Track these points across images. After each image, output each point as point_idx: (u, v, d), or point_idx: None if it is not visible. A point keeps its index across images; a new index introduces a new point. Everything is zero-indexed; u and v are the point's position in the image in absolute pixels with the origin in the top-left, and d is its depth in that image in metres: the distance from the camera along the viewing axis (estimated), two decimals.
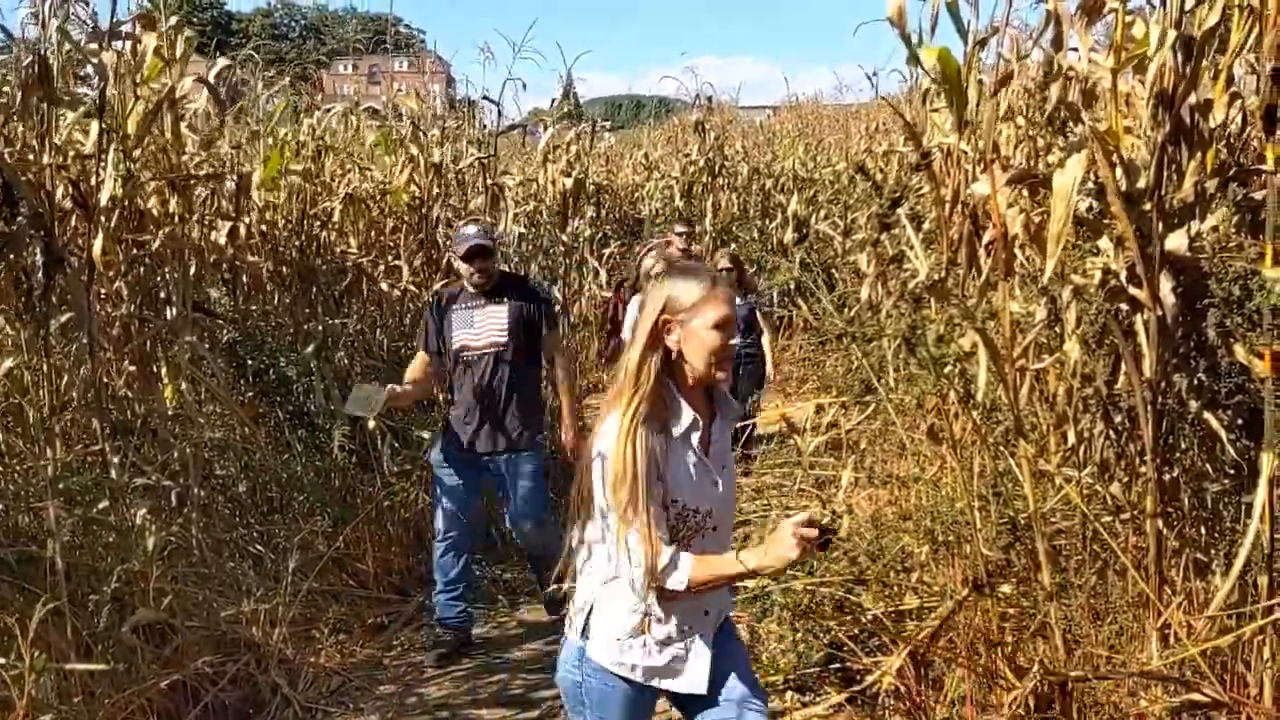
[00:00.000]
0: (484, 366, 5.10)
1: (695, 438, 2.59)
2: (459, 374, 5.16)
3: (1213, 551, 3.52)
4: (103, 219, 4.70)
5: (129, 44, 4.94)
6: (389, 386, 4.89)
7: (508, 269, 5.69)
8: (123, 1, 8.85)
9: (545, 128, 10.18)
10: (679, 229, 9.51)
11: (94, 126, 4.75)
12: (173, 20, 5.03)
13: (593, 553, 2.67)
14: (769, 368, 8.30)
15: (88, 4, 4.79)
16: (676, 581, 2.48)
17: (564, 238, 9.43)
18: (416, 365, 5.27)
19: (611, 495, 2.47)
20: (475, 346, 5.12)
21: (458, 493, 5.12)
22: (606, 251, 11.77)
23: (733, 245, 11.20)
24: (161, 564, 4.36)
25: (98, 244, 4.61)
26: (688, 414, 2.58)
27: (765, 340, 8.22)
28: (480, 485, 5.25)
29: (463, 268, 5.18)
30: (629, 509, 2.44)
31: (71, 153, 4.81)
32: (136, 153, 5.03)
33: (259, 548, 5.27)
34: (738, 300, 8.38)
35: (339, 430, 5.90)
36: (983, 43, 3.68)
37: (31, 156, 4.55)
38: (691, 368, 2.57)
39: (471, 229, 5.20)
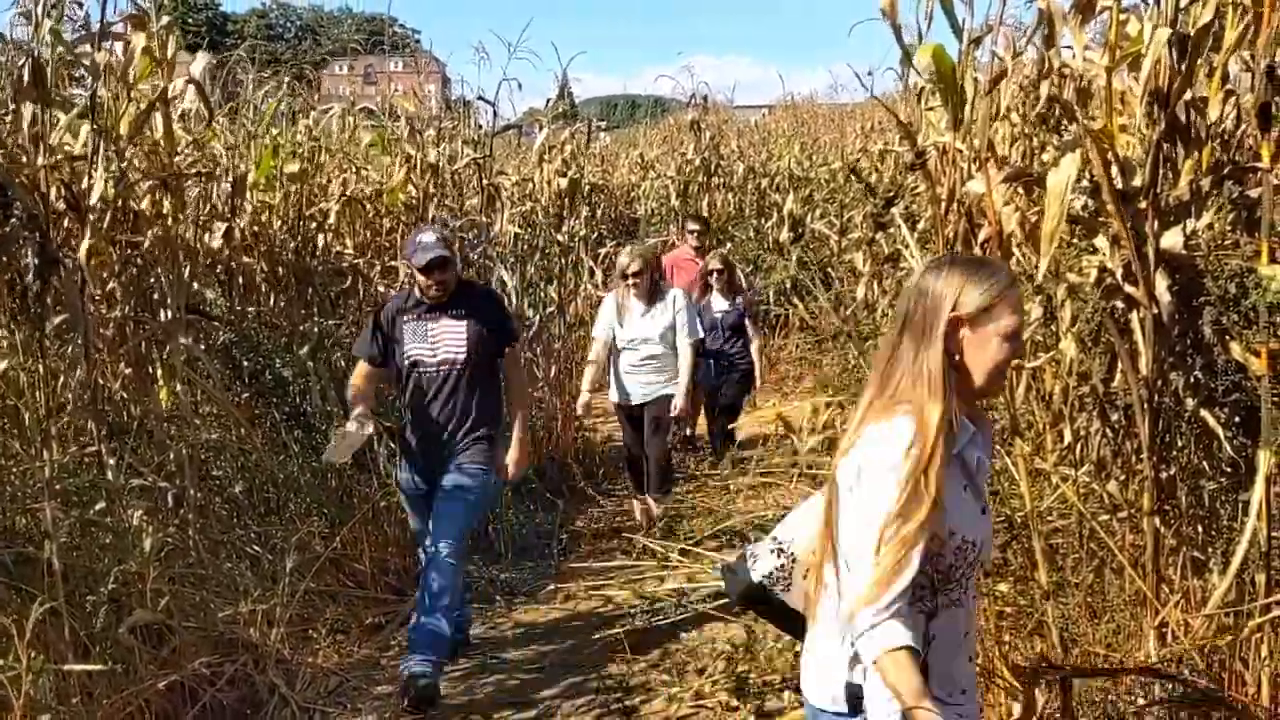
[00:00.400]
0: (439, 383, 4.84)
1: (975, 455, 2.18)
2: (412, 391, 4.89)
3: (1210, 549, 3.52)
4: (93, 219, 4.70)
5: (120, 44, 4.93)
6: (368, 423, 4.69)
7: (461, 274, 5.38)
8: (113, 2, 8.85)
9: (541, 128, 10.17)
10: (691, 226, 9.35)
11: (85, 127, 4.75)
12: (164, 20, 5.01)
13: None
14: (757, 374, 8.12)
15: (80, 5, 4.79)
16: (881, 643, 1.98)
17: (560, 237, 9.42)
18: (362, 381, 4.98)
19: (883, 528, 1.98)
20: (430, 362, 4.84)
21: (428, 516, 4.85)
22: (602, 251, 11.75)
23: (728, 245, 11.08)
24: (158, 565, 4.35)
25: (84, 245, 4.60)
26: (966, 428, 2.15)
27: (754, 347, 8.03)
28: None
29: (419, 279, 4.83)
30: (901, 549, 1.96)
31: (63, 154, 4.80)
32: (129, 152, 5.02)
33: (256, 548, 5.26)
34: (725, 305, 7.82)
35: (335, 431, 5.89)
36: (977, 41, 3.68)
37: (25, 158, 4.54)
38: (970, 379, 2.14)
39: (429, 236, 4.84)
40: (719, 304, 7.97)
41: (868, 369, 4.34)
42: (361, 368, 5.01)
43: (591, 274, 11.10)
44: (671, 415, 6.75)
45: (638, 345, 6.65)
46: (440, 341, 4.85)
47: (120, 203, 5.03)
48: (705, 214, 12.26)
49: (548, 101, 10.68)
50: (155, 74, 5.04)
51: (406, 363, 4.87)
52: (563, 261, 9.46)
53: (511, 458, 5.04)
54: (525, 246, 9.11)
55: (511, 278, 8.14)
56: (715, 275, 7.99)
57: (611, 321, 6.74)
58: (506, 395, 5.17)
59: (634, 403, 6.74)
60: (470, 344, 4.84)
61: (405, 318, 4.90)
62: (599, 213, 14.01)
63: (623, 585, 5.56)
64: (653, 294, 6.69)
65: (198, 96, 5.30)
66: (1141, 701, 3.38)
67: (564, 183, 9.75)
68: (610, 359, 6.81)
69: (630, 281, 6.61)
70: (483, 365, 4.91)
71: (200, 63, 5.35)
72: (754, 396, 8.40)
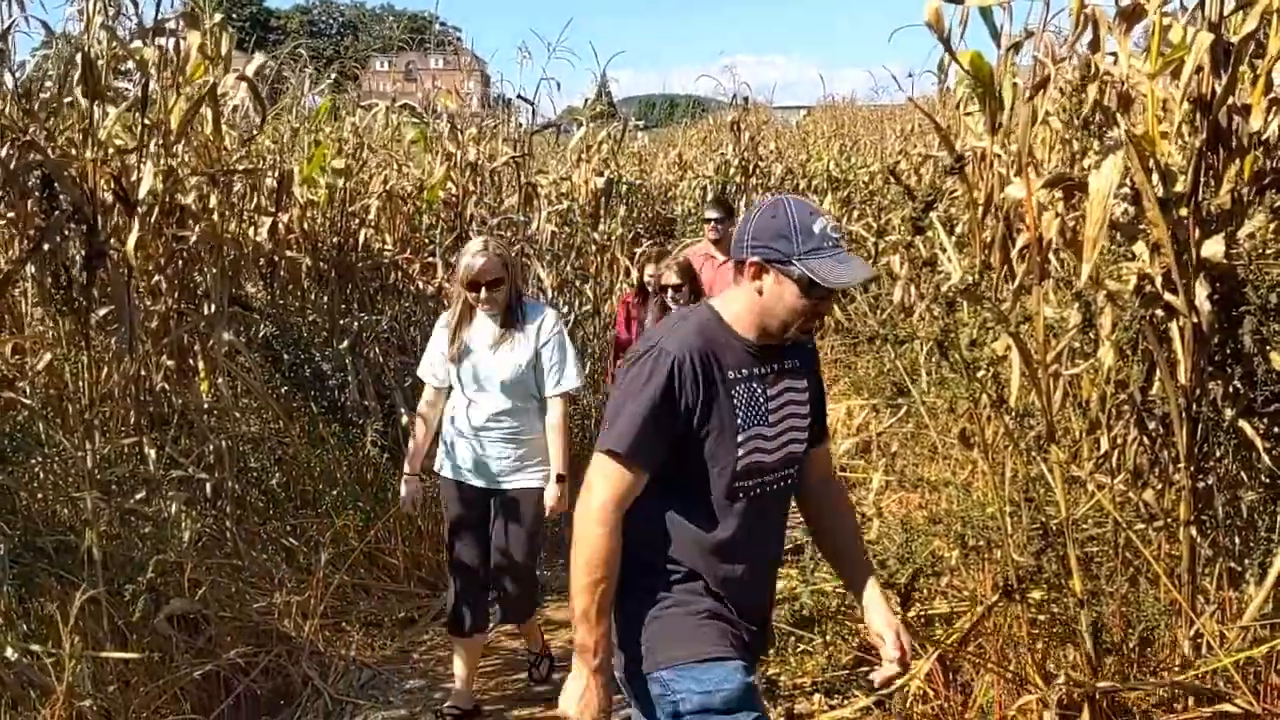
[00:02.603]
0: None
1: None
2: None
3: (1246, 561, 3.48)
4: (141, 213, 4.77)
5: (172, 41, 5.00)
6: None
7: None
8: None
9: (579, 126, 10.20)
10: (710, 214, 7.35)
11: (136, 121, 4.82)
12: (217, 18, 5.08)
13: None
14: None
15: (135, 2, 4.86)
16: None
17: (596, 236, 9.44)
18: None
19: None
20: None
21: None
22: (638, 251, 11.75)
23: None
24: (196, 555, 4.42)
25: (132, 238, 4.68)
26: None
27: None
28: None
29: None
30: None
31: (113, 148, 4.87)
32: (177, 148, 5.10)
33: (291, 541, 5.32)
34: None
35: (372, 425, 5.94)
36: (1016, 46, 3.67)
37: (74, 151, 4.62)
38: None
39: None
40: None
41: (903, 373, 4.34)
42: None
43: (627, 273, 11.12)
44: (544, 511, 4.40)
45: (478, 394, 4.33)
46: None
47: (168, 197, 5.10)
48: (742, 215, 12.06)
49: (586, 101, 10.71)
50: (207, 71, 5.11)
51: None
52: (599, 260, 9.48)
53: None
54: (561, 245, 9.14)
55: (548, 275, 8.16)
56: (672, 294, 5.72)
57: (443, 353, 4.39)
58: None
59: (473, 484, 4.38)
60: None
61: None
62: (635, 212, 14.02)
63: None
64: (509, 312, 4.32)
65: (251, 97, 5.38)
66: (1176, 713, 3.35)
67: (600, 182, 9.77)
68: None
69: (481, 295, 4.25)
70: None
71: (254, 64, 5.42)
72: None
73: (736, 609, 2.46)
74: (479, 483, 4.35)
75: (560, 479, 4.30)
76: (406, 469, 4.51)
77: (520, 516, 4.34)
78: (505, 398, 4.28)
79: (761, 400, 2.42)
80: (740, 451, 2.38)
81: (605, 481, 2.33)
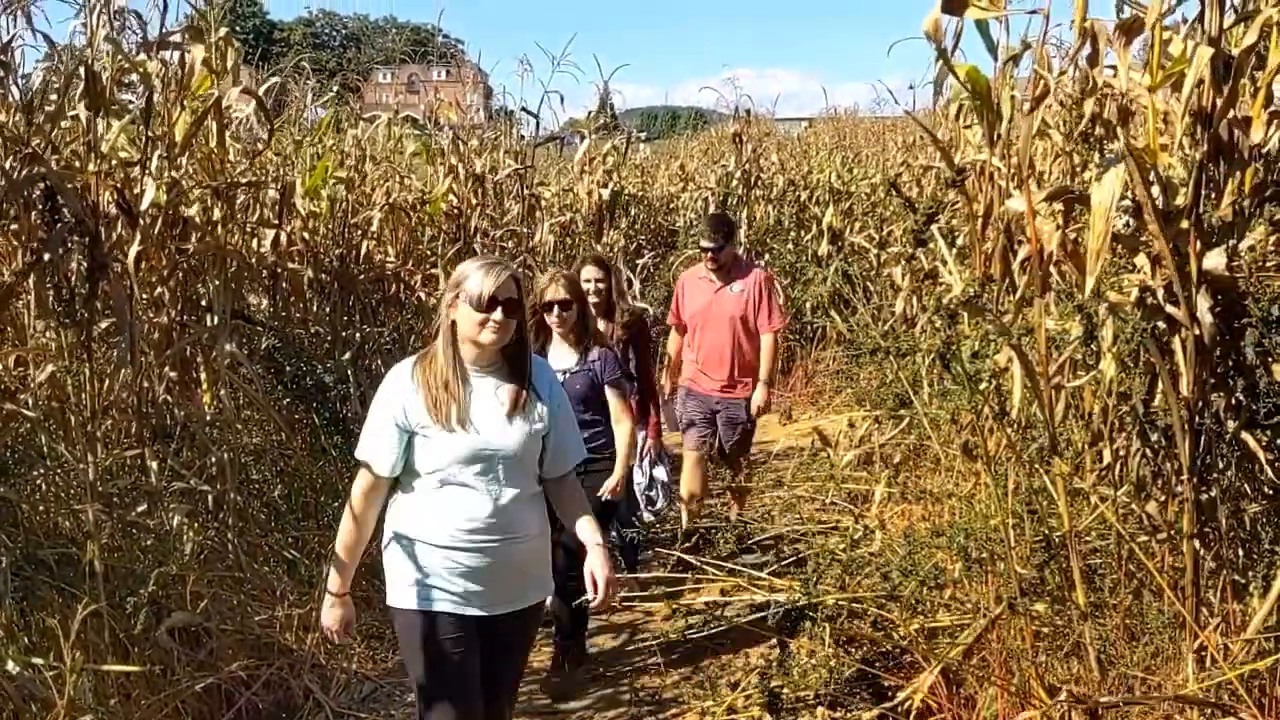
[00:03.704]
0: None
1: None
2: None
3: (1250, 573, 3.47)
4: (144, 225, 4.78)
5: (176, 55, 5.02)
6: None
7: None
8: (172, 11, 9.03)
9: (582, 139, 10.24)
10: (707, 245, 6.56)
11: (139, 134, 4.84)
12: (222, 32, 5.10)
13: None
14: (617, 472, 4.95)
15: (139, 16, 4.88)
16: None
17: (599, 248, 9.46)
18: None
19: None
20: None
21: None
22: (640, 262, 11.77)
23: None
24: (197, 568, 4.42)
25: (133, 250, 4.69)
26: None
27: (622, 438, 4.98)
28: None
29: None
30: None
31: (116, 160, 4.89)
32: (181, 160, 5.11)
33: (293, 553, 5.32)
34: (573, 363, 4.86)
35: None
36: (1015, 59, 3.67)
37: (77, 163, 4.64)
38: None
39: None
40: (561, 358, 4.89)
41: (906, 385, 4.34)
42: None
43: (630, 284, 11.14)
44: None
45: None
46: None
47: (171, 209, 5.11)
48: (744, 226, 11.99)
49: (589, 114, 10.75)
50: (213, 84, 5.12)
51: None
52: None
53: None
54: (564, 256, 9.16)
55: None
56: (557, 311, 4.81)
57: (400, 433, 3.26)
58: None
59: (474, 612, 3.28)
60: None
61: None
62: (638, 224, 14.04)
63: (657, 598, 5.56)
64: (517, 363, 3.32)
65: (259, 113, 5.39)
66: None
67: (605, 193, 9.80)
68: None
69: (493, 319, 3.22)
70: None
71: (268, 84, 5.45)
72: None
73: None
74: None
75: None
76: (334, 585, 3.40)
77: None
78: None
79: None
80: None
81: None
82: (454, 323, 3.20)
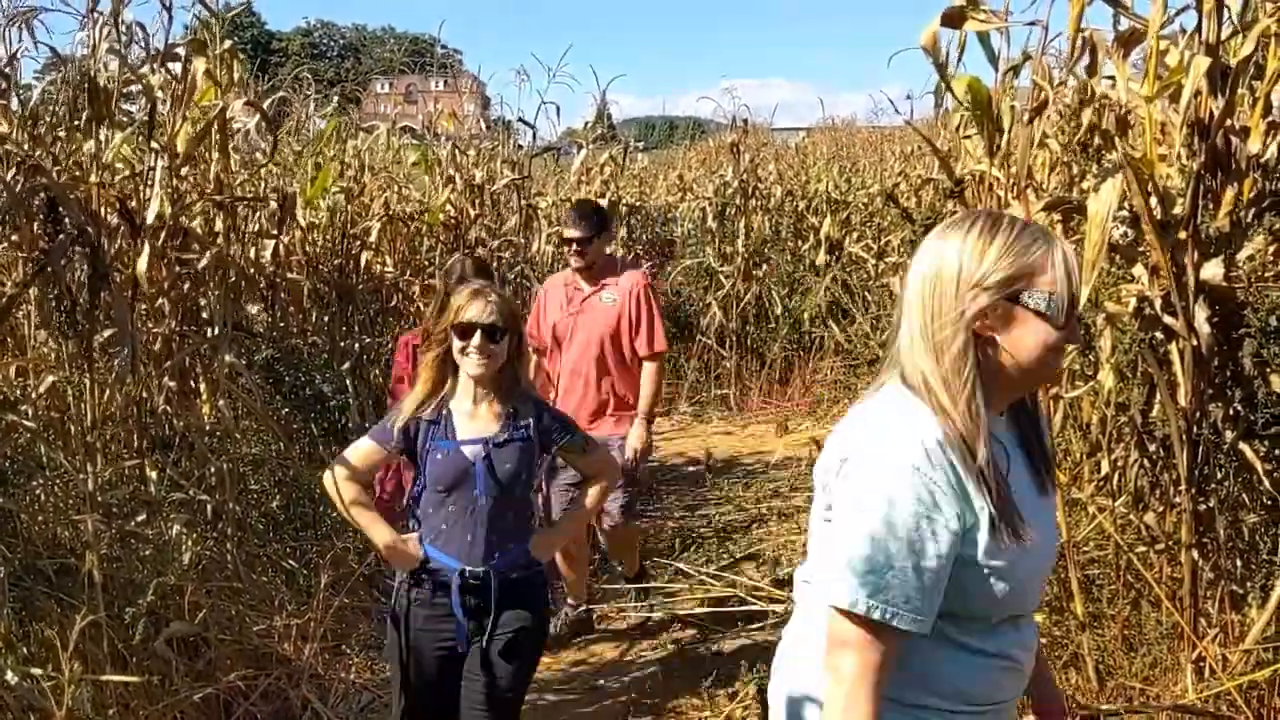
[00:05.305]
0: None
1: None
2: None
3: (1249, 584, 3.48)
4: (148, 236, 4.79)
5: (179, 66, 5.03)
6: None
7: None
8: (177, 23, 9.03)
9: (580, 149, 10.26)
10: (571, 234, 5.13)
11: (143, 145, 4.85)
12: (226, 45, 5.11)
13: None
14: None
15: (143, 28, 4.90)
16: None
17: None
18: None
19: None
20: None
21: None
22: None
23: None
24: (196, 578, 4.41)
25: (143, 261, 4.69)
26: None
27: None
28: None
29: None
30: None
31: (119, 171, 4.90)
32: (184, 171, 5.12)
33: (292, 563, 5.31)
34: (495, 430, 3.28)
35: None
36: (1015, 70, 3.69)
37: (79, 174, 4.65)
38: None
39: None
40: (476, 425, 3.42)
41: None
42: None
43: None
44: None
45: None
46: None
47: (173, 221, 5.13)
48: (742, 236, 11.95)
49: (586, 124, 10.77)
50: (216, 96, 5.13)
51: None
52: None
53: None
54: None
55: None
56: (480, 338, 3.25)
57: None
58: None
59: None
60: None
61: None
62: (635, 233, 14.06)
63: (655, 606, 5.56)
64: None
65: (264, 129, 5.41)
66: None
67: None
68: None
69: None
70: None
71: (273, 97, 5.47)
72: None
73: None
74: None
75: None
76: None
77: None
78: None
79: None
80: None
81: None
82: None
